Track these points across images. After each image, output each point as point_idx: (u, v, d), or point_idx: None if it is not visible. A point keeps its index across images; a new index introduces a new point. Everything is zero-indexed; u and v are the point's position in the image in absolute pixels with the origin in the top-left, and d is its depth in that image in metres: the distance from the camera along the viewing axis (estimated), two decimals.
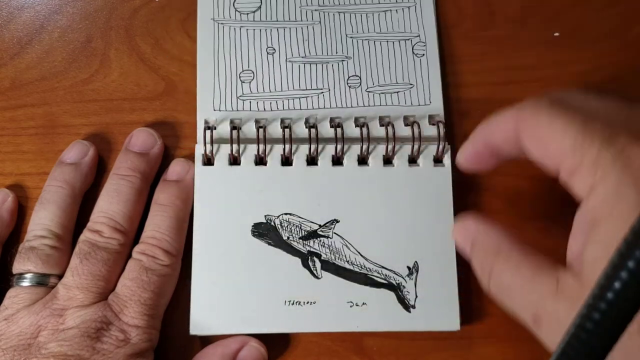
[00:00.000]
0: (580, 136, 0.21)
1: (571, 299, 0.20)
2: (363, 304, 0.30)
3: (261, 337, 0.30)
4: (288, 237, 0.31)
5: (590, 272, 0.20)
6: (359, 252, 0.31)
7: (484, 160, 0.26)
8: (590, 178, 0.20)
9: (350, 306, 0.30)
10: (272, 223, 0.31)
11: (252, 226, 0.31)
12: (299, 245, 0.31)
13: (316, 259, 0.30)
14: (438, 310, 0.31)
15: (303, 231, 0.31)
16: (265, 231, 0.31)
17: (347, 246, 0.31)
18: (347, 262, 0.31)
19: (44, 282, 0.29)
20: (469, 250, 0.26)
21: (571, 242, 0.23)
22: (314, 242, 0.31)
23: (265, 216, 0.31)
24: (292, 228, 0.31)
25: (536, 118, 0.22)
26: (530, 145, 0.23)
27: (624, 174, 0.19)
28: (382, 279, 0.31)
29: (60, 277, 0.29)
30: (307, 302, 0.30)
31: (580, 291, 0.20)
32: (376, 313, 0.30)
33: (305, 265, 0.30)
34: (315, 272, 0.30)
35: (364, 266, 0.31)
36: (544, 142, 0.22)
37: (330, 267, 0.31)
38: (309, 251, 0.31)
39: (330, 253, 0.31)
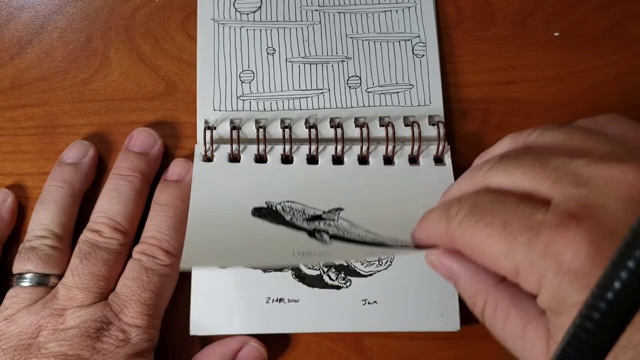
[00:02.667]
0: (504, 243, 0.21)
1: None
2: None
3: (261, 337, 0.30)
4: (291, 219, 0.30)
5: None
6: (368, 231, 0.30)
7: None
8: (533, 278, 0.21)
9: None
10: (274, 208, 0.31)
11: (253, 209, 0.30)
12: (303, 226, 0.30)
13: (324, 233, 0.30)
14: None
15: (306, 214, 0.31)
16: (267, 214, 0.30)
17: (354, 227, 0.30)
18: (357, 236, 0.30)
19: (44, 282, 0.29)
20: (452, 281, 0.26)
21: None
22: (318, 223, 0.30)
23: (266, 202, 0.31)
24: (295, 212, 0.30)
25: (461, 233, 0.23)
26: (470, 257, 0.24)
27: (557, 275, 0.20)
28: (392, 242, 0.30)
29: (60, 277, 0.29)
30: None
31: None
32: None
33: (312, 236, 0.29)
34: (324, 240, 0.29)
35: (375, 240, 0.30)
36: (478, 254, 0.23)
37: (339, 239, 0.30)
38: (314, 229, 0.30)
39: (338, 231, 0.30)
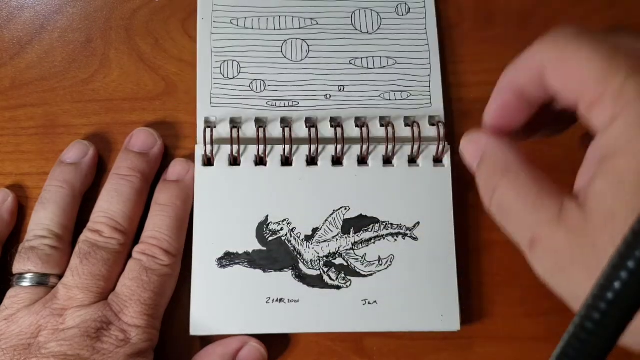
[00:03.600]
0: (605, 64, 0.19)
1: (571, 228, 0.19)
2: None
3: (261, 337, 0.30)
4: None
5: (595, 204, 0.18)
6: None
7: (512, 112, 0.24)
8: (611, 109, 0.19)
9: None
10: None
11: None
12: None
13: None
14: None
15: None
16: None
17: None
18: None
19: (44, 282, 0.29)
20: (475, 164, 0.24)
21: (580, 172, 0.22)
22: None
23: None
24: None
25: (561, 48, 0.21)
26: (553, 78, 0.22)
27: None
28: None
29: (60, 277, 0.29)
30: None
31: (582, 222, 0.19)
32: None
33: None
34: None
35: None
36: (567, 72, 0.21)
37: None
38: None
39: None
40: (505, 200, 0.22)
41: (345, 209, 0.31)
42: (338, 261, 0.31)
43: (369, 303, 0.30)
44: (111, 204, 0.30)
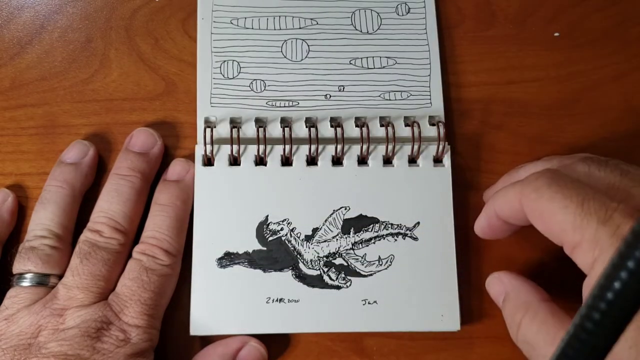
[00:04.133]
0: (578, 217, 0.23)
1: None
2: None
3: (261, 337, 0.30)
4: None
5: None
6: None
7: (498, 230, 0.29)
8: (591, 254, 0.22)
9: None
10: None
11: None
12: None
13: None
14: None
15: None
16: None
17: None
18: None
19: (44, 282, 0.29)
20: (501, 302, 0.28)
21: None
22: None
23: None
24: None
25: (537, 198, 0.24)
26: (534, 222, 0.25)
27: None
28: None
29: (60, 277, 0.29)
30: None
31: None
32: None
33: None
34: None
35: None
36: (546, 220, 0.24)
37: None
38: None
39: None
40: (528, 335, 0.25)
41: (346, 209, 0.31)
42: (338, 261, 0.31)
43: (369, 303, 0.30)
44: (111, 204, 0.30)
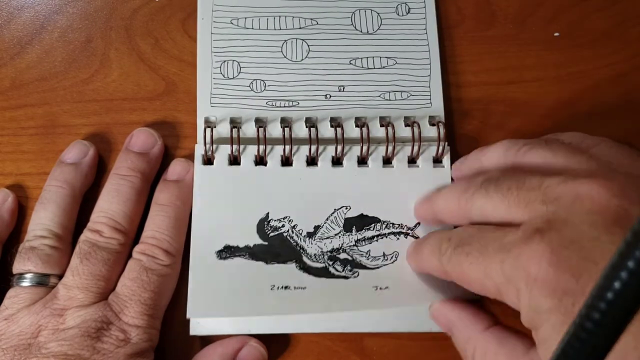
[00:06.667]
0: (483, 268, 0.24)
1: None
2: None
3: (261, 337, 0.30)
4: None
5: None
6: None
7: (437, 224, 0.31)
8: (512, 295, 0.23)
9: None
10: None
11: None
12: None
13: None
14: None
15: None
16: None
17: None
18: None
19: (44, 282, 0.29)
20: (448, 332, 0.29)
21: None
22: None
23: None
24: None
25: (453, 270, 0.26)
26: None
27: (528, 286, 0.22)
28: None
29: (60, 277, 0.29)
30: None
31: None
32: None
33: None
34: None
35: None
36: (467, 285, 0.26)
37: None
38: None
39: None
40: (487, 355, 0.26)
41: (347, 208, 0.31)
42: (342, 256, 0.31)
43: (381, 289, 0.30)
44: (111, 203, 0.30)
